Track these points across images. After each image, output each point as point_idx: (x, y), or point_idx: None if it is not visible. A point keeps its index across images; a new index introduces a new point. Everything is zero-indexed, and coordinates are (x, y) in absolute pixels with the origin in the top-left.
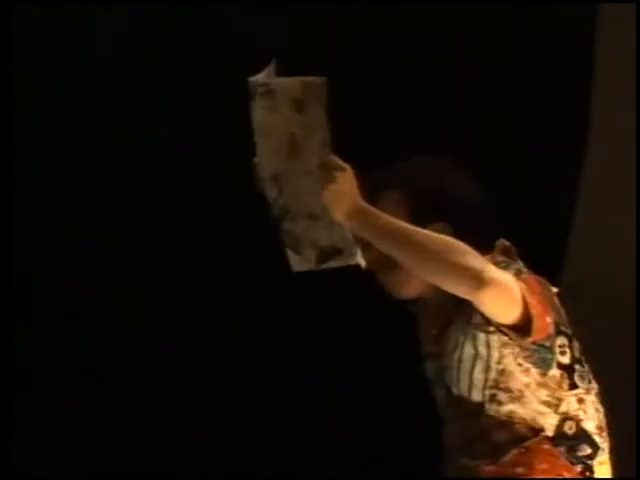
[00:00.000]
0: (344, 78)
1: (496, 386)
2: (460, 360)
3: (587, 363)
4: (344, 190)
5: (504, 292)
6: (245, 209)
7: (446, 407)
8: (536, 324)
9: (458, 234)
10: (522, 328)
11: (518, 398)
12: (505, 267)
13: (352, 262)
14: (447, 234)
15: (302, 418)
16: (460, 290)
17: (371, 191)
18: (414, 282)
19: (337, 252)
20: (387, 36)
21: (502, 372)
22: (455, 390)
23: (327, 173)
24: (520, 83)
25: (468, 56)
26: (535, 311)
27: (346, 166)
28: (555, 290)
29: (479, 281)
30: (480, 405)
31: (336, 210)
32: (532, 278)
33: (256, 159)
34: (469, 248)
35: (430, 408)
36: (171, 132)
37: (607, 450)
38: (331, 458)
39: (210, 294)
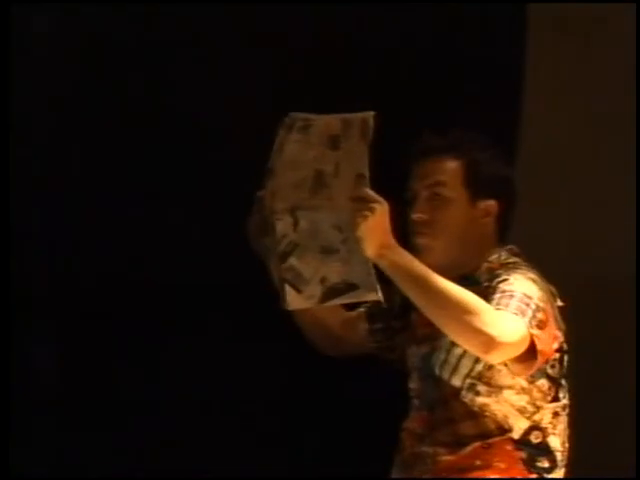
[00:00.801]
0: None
1: (479, 378)
2: (453, 343)
3: (569, 378)
4: (378, 223)
5: (511, 352)
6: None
7: (420, 394)
8: (540, 359)
9: (502, 212)
10: (525, 359)
11: (496, 394)
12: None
13: (369, 298)
14: (495, 213)
15: (301, 418)
16: (470, 349)
17: (421, 155)
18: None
19: (350, 288)
20: None
21: (490, 368)
22: (437, 371)
23: (362, 205)
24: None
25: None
26: (542, 357)
27: (382, 200)
28: (560, 304)
29: (489, 347)
30: (456, 391)
31: (369, 243)
32: (548, 311)
33: (265, 192)
34: (489, 309)
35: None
36: (172, 132)
37: (564, 470)
38: (331, 458)
39: (210, 295)
